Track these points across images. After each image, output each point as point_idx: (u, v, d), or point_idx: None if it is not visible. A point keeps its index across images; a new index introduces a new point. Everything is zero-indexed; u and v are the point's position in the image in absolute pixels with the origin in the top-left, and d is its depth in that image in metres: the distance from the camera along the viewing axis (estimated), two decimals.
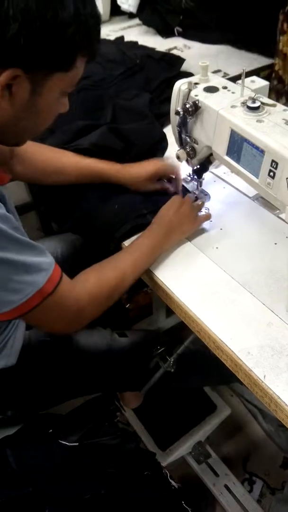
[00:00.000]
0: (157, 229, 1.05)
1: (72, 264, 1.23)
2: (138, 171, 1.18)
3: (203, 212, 1.15)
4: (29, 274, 0.80)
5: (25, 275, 0.80)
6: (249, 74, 0.98)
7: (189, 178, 1.20)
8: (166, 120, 1.35)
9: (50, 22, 0.69)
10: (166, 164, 1.20)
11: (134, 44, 1.84)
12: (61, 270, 0.88)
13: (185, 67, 1.64)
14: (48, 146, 1.20)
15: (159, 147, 1.30)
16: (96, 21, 0.78)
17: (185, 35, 1.98)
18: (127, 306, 2.02)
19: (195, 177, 1.17)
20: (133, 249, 1.02)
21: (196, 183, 1.18)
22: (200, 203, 1.14)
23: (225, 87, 1.02)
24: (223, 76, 1.59)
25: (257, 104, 0.92)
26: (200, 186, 1.18)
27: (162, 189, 1.20)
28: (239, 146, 0.94)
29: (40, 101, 0.78)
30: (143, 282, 1.10)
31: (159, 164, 1.19)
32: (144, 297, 2.09)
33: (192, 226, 1.09)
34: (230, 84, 1.03)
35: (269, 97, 1.00)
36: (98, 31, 0.79)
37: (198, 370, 1.35)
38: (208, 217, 1.13)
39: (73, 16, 0.71)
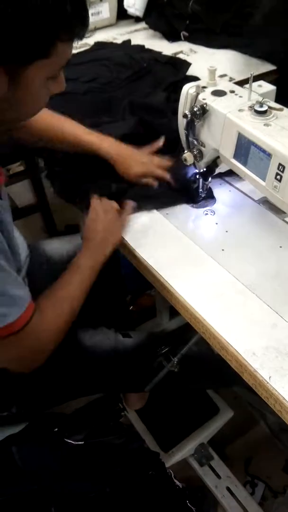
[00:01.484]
0: (92, 246, 1.07)
1: None
2: (127, 170, 1.20)
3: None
4: (5, 305, 0.81)
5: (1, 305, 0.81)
6: (254, 79, 0.99)
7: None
8: None
9: (19, 11, 0.66)
10: (154, 171, 1.20)
11: (141, 47, 1.85)
12: (33, 308, 0.88)
13: (191, 71, 1.65)
14: (50, 112, 1.19)
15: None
16: (74, 4, 0.72)
17: (191, 39, 1.98)
18: (130, 308, 2.03)
19: (202, 180, 1.17)
20: (80, 272, 1.02)
21: (202, 185, 1.19)
22: (123, 206, 1.15)
23: (232, 91, 1.03)
24: (229, 81, 1.60)
25: (264, 108, 0.93)
26: (207, 188, 1.19)
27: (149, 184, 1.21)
28: (246, 150, 0.95)
29: (21, 91, 0.75)
30: (147, 285, 1.10)
31: (150, 168, 1.20)
32: (147, 299, 2.09)
33: (121, 230, 1.10)
34: (237, 88, 1.04)
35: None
36: (78, 11, 0.74)
37: (202, 371, 1.35)
38: (130, 209, 1.13)
39: (42, 2, 0.67)
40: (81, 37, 0.78)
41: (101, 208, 1.11)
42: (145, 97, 1.44)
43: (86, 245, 1.07)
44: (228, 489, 1.51)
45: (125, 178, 1.20)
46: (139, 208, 1.17)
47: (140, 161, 1.20)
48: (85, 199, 1.16)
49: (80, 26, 0.76)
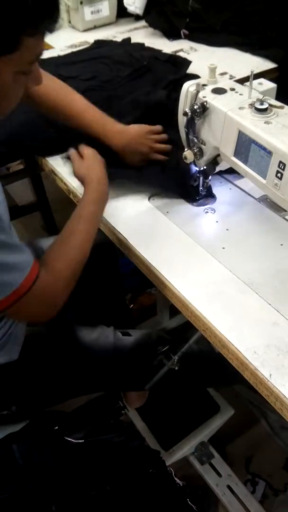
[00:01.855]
0: (92, 187, 1.07)
1: None
2: (131, 161, 1.22)
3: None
4: (5, 273, 0.81)
5: (1, 275, 0.81)
6: (254, 77, 0.99)
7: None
8: None
9: None
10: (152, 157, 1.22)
11: (141, 46, 1.85)
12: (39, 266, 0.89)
13: (191, 69, 1.65)
14: (62, 84, 1.21)
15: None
16: None
17: (191, 37, 1.98)
18: (130, 307, 2.03)
19: (202, 177, 1.17)
20: (83, 218, 1.03)
21: (202, 183, 1.19)
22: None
23: (233, 89, 1.03)
24: (229, 79, 1.59)
25: (265, 106, 0.93)
26: (207, 187, 1.19)
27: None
28: (246, 148, 0.95)
29: None
30: (147, 283, 1.10)
31: (149, 156, 1.22)
32: (147, 298, 2.09)
33: (102, 165, 1.11)
34: (238, 86, 1.04)
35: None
36: (41, 4, 0.71)
37: (202, 369, 1.35)
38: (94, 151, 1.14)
39: None
40: (50, 30, 0.76)
41: (77, 156, 1.13)
42: (145, 95, 1.44)
43: (86, 190, 1.07)
44: (229, 487, 1.51)
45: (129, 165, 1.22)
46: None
47: (140, 152, 1.21)
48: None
49: (48, 20, 0.74)
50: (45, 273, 0.90)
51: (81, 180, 1.10)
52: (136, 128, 1.22)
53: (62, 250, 0.97)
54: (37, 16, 0.71)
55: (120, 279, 1.49)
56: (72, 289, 0.97)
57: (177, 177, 1.20)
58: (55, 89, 1.19)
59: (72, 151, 1.14)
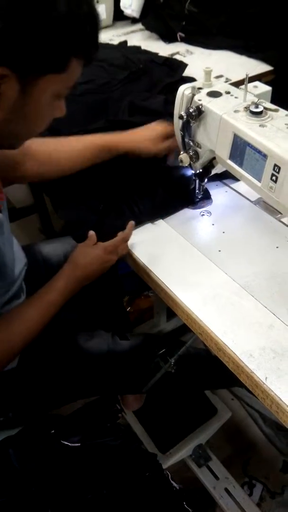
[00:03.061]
0: (64, 274, 1.04)
1: None
2: (144, 133, 1.18)
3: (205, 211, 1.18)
4: None
5: None
6: (250, 79, 0.99)
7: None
8: None
9: (40, 21, 0.67)
10: (161, 151, 1.19)
11: (137, 48, 1.85)
12: None
13: (187, 72, 1.65)
14: (50, 138, 1.17)
15: None
16: (93, 22, 0.74)
17: (187, 40, 1.99)
18: (127, 310, 2.03)
19: (198, 180, 1.17)
20: (41, 305, 0.99)
21: (198, 186, 1.19)
22: (119, 239, 1.08)
23: (228, 92, 1.03)
24: (225, 82, 1.60)
25: (260, 109, 0.93)
26: (203, 189, 1.19)
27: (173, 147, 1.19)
28: (242, 151, 0.95)
29: (30, 103, 0.75)
30: (144, 286, 1.10)
31: (166, 125, 1.18)
32: (145, 300, 2.10)
33: (105, 268, 1.08)
34: (233, 89, 1.04)
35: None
36: (94, 34, 0.76)
37: (199, 372, 1.36)
38: (126, 237, 1.08)
39: (65, 15, 0.69)
40: (90, 60, 0.79)
41: (93, 248, 1.08)
42: (144, 100, 1.44)
43: (59, 274, 1.04)
44: (226, 490, 1.51)
45: (148, 143, 1.18)
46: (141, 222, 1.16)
47: (153, 124, 1.20)
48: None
49: (93, 49, 0.77)
50: None
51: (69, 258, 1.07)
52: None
53: (5, 334, 0.94)
54: (88, 42, 0.75)
55: (119, 283, 1.48)
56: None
57: (180, 192, 1.21)
58: (44, 141, 1.15)
59: (91, 232, 1.09)
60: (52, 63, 0.73)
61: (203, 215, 1.18)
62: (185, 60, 1.74)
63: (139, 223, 1.14)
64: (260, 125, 0.92)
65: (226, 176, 1.24)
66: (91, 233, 1.08)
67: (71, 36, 0.71)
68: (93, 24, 0.75)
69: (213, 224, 1.15)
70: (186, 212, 1.19)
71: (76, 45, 0.73)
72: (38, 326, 0.97)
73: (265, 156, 0.89)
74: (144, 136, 1.17)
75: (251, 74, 1.63)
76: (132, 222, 1.09)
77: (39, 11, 0.67)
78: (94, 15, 0.75)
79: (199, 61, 1.80)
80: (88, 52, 0.77)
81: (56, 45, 0.71)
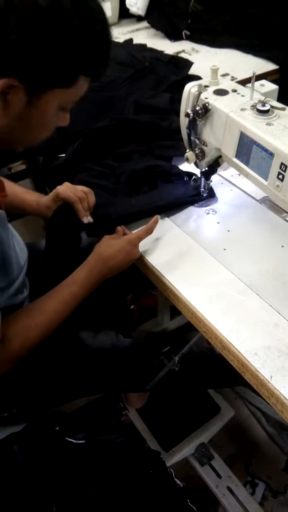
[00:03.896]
0: (86, 268, 1.03)
1: (78, 262, 1.24)
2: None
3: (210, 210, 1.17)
4: None
5: None
6: (256, 78, 0.99)
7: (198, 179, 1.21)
8: None
9: (53, 36, 0.68)
10: (65, 194, 1.12)
11: (142, 46, 1.85)
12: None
13: (192, 70, 1.65)
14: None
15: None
16: (105, 41, 0.75)
17: (193, 38, 1.99)
18: (131, 308, 2.03)
19: (203, 179, 1.17)
20: (61, 297, 0.99)
21: (204, 185, 1.19)
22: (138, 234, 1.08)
23: (234, 90, 1.03)
24: (231, 80, 1.60)
25: (266, 107, 0.93)
26: (208, 188, 1.19)
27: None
28: (248, 149, 0.95)
29: (35, 113, 0.77)
30: (148, 284, 1.10)
31: (58, 189, 1.13)
32: (149, 299, 2.09)
33: (130, 260, 1.06)
34: (239, 87, 1.04)
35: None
36: (106, 53, 0.77)
37: (203, 370, 1.35)
38: (149, 229, 1.07)
39: (79, 33, 0.70)
40: (98, 77, 0.80)
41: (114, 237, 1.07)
42: (149, 98, 1.44)
43: (81, 266, 1.04)
44: (229, 488, 1.51)
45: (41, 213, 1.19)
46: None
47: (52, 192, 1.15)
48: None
49: (102, 68, 0.79)
50: (1, 346, 0.88)
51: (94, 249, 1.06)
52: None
53: (24, 326, 0.94)
54: (98, 60, 0.76)
55: (123, 281, 1.48)
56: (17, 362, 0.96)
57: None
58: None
59: (118, 228, 1.09)
60: (60, 78, 0.74)
61: (208, 213, 1.18)
62: (190, 58, 1.75)
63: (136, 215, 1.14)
64: (267, 124, 0.92)
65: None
66: (119, 228, 1.09)
67: (82, 53, 0.72)
68: (105, 43, 0.76)
69: (218, 223, 1.15)
70: (191, 210, 1.19)
71: (87, 62, 0.74)
72: (58, 317, 0.98)
73: (271, 154, 0.89)
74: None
75: (257, 73, 1.62)
76: (157, 216, 1.09)
77: (53, 26, 0.68)
78: (107, 35, 0.76)
79: (204, 59, 1.80)
80: (97, 70, 0.78)
81: (66, 61, 0.72)
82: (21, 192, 1.20)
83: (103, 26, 0.74)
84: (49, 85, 0.74)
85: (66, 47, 0.70)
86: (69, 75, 0.74)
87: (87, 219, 1.10)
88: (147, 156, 1.28)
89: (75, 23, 0.69)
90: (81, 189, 1.11)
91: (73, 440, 0.96)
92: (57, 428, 1.01)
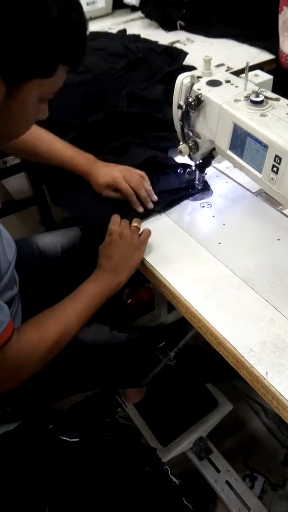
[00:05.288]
0: (100, 273, 1.04)
1: (72, 258, 1.23)
2: (96, 181, 1.17)
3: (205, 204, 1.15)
4: None
5: None
6: (252, 68, 0.97)
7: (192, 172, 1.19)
8: None
9: (31, 26, 0.67)
10: (119, 184, 1.14)
11: (136, 37, 1.83)
12: (13, 328, 0.85)
13: (187, 60, 1.63)
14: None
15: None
16: (81, 29, 0.75)
17: (187, 28, 1.96)
18: (128, 301, 2.02)
19: (198, 172, 1.16)
20: (81, 298, 1.00)
21: (198, 177, 1.17)
22: (135, 224, 1.10)
23: (228, 81, 1.01)
24: (226, 70, 1.57)
25: (260, 98, 0.91)
26: (203, 181, 1.17)
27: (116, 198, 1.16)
28: (242, 141, 0.93)
29: (15, 105, 0.76)
30: (145, 277, 1.09)
31: (116, 180, 1.14)
32: (146, 292, 2.08)
33: (139, 255, 1.06)
34: (233, 78, 1.02)
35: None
36: (83, 40, 0.77)
37: (199, 365, 1.34)
38: (148, 234, 1.08)
39: (56, 21, 0.69)
40: (76, 66, 0.79)
41: (117, 233, 1.06)
42: (143, 89, 1.42)
43: (96, 272, 1.05)
44: (228, 482, 1.50)
45: (95, 190, 1.17)
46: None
47: (109, 173, 1.16)
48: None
49: (80, 55, 0.78)
50: (18, 341, 0.87)
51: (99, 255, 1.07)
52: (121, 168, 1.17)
53: (44, 320, 0.94)
54: (76, 48, 0.76)
55: None
56: (43, 366, 0.95)
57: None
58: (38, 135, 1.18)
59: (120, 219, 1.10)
60: (40, 68, 0.73)
61: (203, 206, 1.16)
62: (185, 48, 1.72)
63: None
64: (261, 115, 0.90)
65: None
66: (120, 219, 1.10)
67: (60, 42, 0.72)
68: (82, 31, 0.76)
69: (213, 216, 1.13)
70: (186, 204, 1.17)
71: (65, 51, 0.74)
72: (79, 317, 0.99)
73: (266, 146, 0.87)
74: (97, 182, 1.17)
75: (253, 62, 1.60)
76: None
77: (30, 16, 0.67)
78: (84, 22, 0.75)
79: (200, 49, 1.78)
80: (76, 58, 0.78)
81: (45, 50, 0.71)
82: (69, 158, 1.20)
83: (79, 13, 0.74)
84: (28, 75, 0.73)
85: (46, 36, 0.69)
86: (49, 64, 0.73)
87: (149, 205, 1.14)
88: (143, 147, 1.26)
89: (52, 12, 0.68)
90: (137, 174, 1.15)
91: (67, 439, 0.95)
92: (51, 426, 1.00)
